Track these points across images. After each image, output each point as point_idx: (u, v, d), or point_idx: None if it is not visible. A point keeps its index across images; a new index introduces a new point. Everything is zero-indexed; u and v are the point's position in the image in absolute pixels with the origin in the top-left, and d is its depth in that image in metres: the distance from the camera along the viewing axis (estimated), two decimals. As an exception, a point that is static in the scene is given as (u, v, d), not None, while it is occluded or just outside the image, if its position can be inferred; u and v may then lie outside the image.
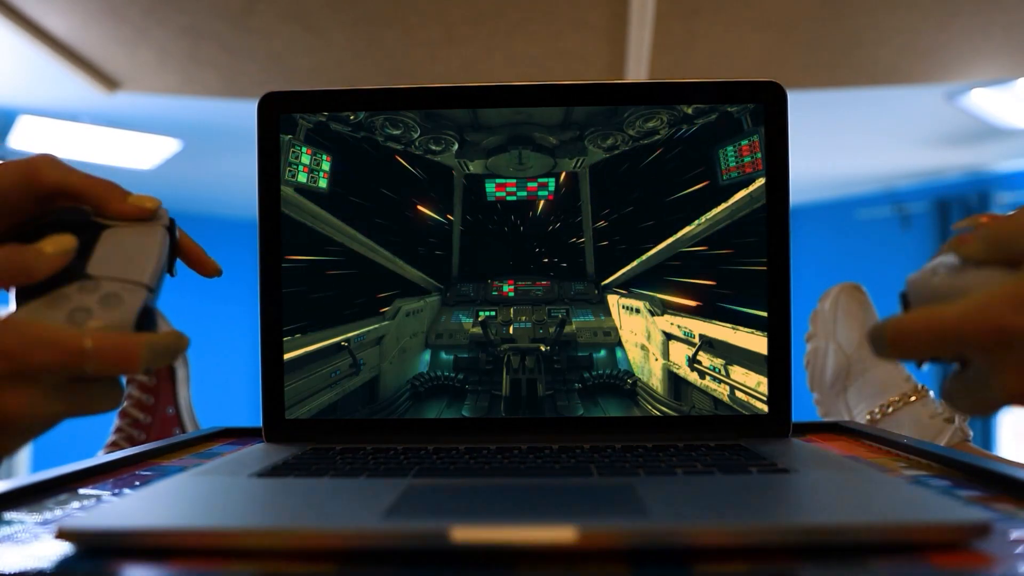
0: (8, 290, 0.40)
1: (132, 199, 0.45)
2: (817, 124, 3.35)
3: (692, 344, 0.61)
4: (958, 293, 0.36)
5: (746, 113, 0.61)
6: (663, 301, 0.61)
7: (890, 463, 0.55)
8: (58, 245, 0.40)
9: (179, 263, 0.48)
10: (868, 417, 0.91)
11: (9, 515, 0.43)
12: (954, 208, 4.33)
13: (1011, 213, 0.38)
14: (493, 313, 0.62)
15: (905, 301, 0.41)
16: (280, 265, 0.61)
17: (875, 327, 0.37)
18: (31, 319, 0.38)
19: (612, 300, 0.62)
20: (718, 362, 0.61)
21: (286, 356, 0.61)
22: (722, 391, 0.60)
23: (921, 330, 0.35)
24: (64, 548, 0.35)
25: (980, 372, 0.36)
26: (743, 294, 0.60)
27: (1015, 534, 0.35)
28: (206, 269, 0.49)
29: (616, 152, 0.61)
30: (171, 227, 0.46)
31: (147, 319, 0.41)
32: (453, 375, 0.61)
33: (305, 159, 0.62)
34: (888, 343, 0.36)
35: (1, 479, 0.46)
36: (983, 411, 0.37)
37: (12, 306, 0.40)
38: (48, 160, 0.44)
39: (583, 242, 0.62)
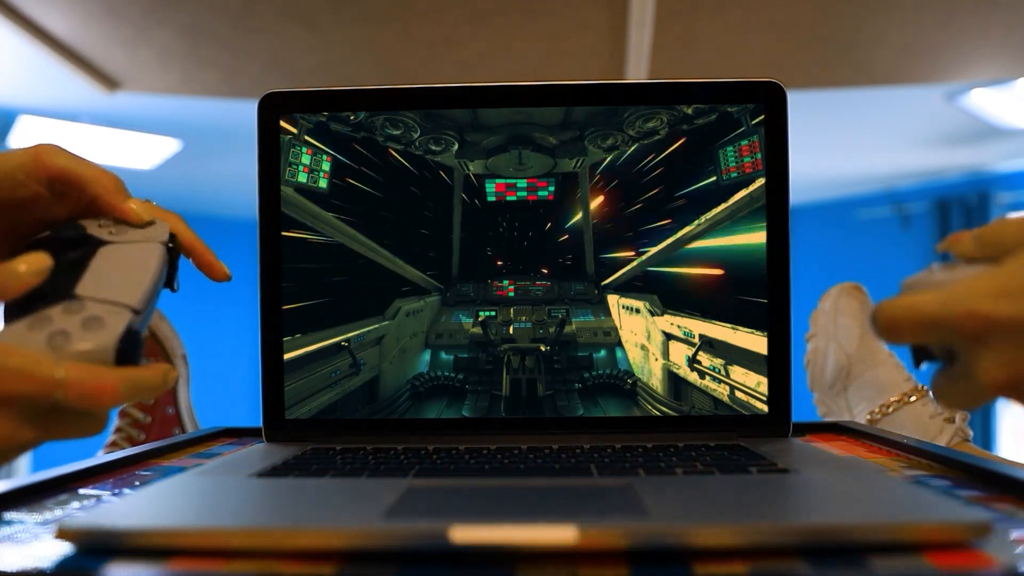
0: None
1: (132, 202, 0.45)
2: (817, 124, 3.35)
3: (692, 344, 0.61)
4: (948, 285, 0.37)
5: (746, 113, 0.61)
6: (663, 301, 0.61)
7: (890, 463, 0.55)
8: (32, 264, 0.39)
9: (189, 265, 0.48)
10: (868, 417, 0.91)
11: (9, 515, 0.43)
12: (954, 208, 4.33)
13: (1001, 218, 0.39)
14: (493, 313, 0.62)
15: None
16: (280, 265, 0.61)
17: (872, 310, 0.38)
18: (9, 343, 0.37)
19: (612, 300, 0.62)
20: (718, 362, 0.61)
21: (286, 356, 0.61)
22: (722, 391, 0.60)
23: (906, 315, 0.36)
24: (64, 548, 0.35)
25: (965, 364, 0.36)
26: (743, 294, 0.60)
27: (1015, 534, 0.35)
28: (215, 273, 0.49)
29: (616, 152, 0.61)
30: (171, 243, 0.46)
31: (131, 344, 0.40)
32: (453, 375, 0.61)
33: (305, 159, 0.62)
34: (879, 326, 0.38)
35: (1, 479, 0.46)
36: (970, 404, 0.37)
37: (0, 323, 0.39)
38: (53, 147, 0.44)
39: (583, 242, 0.62)
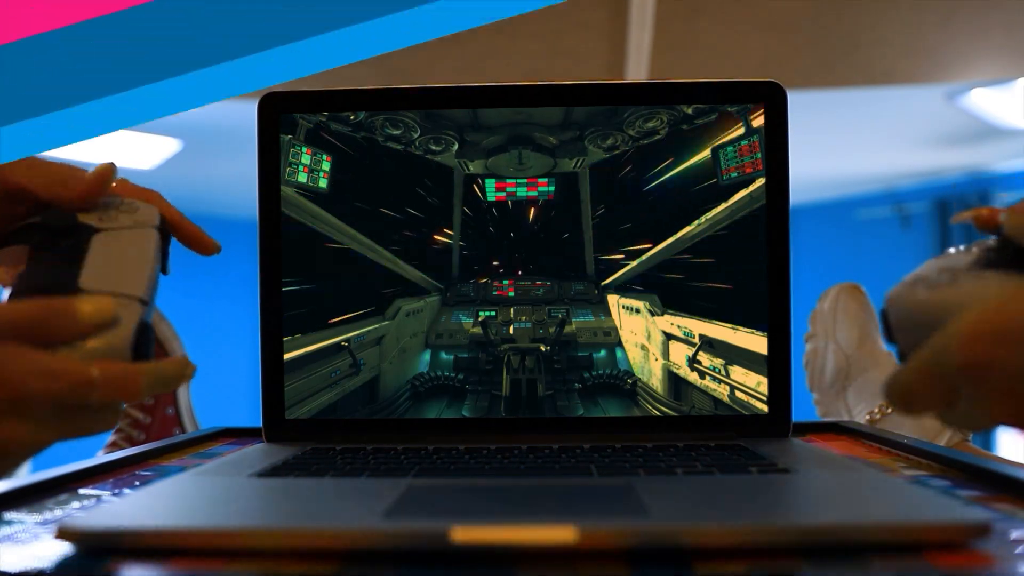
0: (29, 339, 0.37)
1: (89, 178, 0.43)
2: (817, 124, 3.35)
3: (692, 344, 0.61)
4: (937, 315, 0.36)
5: (746, 113, 0.61)
6: (663, 301, 0.61)
7: (890, 463, 0.55)
8: (96, 310, 0.37)
9: (178, 245, 0.47)
10: (868, 417, 0.91)
11: (9, 515, 0.43)
12: (954, 208, 4.33)
13: None
14: (493, 313, 0.62)
15: (886, 319, 0.41)
16: (280, 265, 0.61)
17: (884, 390, 0.39)
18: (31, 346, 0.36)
19: (612, 300, 0.62)
20: (718, 362, 0.61)
21: (286, 356, 0.61)
22: (722, 391, 0.60)
23: (916, 393, 0.37)
24: (64, 548, 0.35)
25: (968, 398, 0.36)
26: (743, 294, 0.60)
27: (1015, 534, 0.35)
28: (205, 247, 0.48)
29: (616, 152, 0.61)
30: (161, 226, 0.45)
31: (144, 336, 0.40)
32: (453, 375, 0.61)
33: (305, 159, 0.62)
34: (898, 406, 0.38)
35: (1, 479, 0.46)
36: (971, 429, 0.37)
37: None
38: (12, 162, 0.43)
39: (583, 242, 0.62)
